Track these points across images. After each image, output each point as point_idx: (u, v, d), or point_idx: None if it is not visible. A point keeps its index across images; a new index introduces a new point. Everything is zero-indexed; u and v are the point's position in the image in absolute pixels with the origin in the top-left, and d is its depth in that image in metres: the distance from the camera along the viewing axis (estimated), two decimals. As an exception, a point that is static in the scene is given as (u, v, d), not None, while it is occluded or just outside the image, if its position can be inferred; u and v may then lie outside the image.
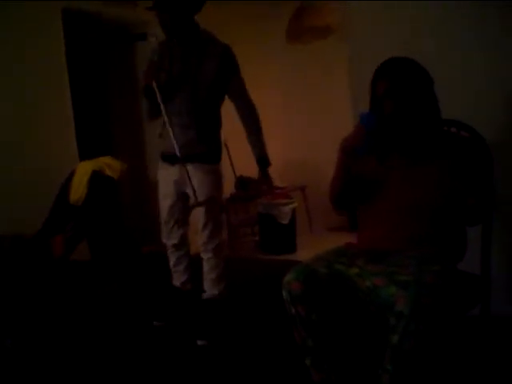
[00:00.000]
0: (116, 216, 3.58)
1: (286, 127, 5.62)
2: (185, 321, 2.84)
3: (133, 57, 4.78)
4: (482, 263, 1.98)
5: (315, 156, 5.53)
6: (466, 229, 1.96)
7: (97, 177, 3.37)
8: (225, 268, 2.85)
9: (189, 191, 2.71)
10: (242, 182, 5.22)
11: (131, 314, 3.04)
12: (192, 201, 2.69)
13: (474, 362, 2.16)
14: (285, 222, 4.86)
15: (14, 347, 2.67)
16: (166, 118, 2.60)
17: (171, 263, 2.92)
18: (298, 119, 5.69)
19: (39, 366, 2.54)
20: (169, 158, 2.73)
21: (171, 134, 2.58)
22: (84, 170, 3.40)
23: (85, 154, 3.93)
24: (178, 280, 2.93)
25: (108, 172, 3.42)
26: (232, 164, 5.00)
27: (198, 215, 2.79)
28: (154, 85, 2.57)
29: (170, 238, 2.86)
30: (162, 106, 2.58)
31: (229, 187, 4.96)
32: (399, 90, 1.82)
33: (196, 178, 2.68)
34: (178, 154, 2.58)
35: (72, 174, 3.41)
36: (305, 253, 4.21)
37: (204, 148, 2.71)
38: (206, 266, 2.82)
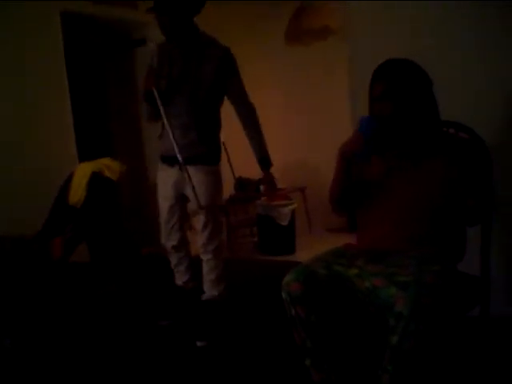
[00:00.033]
0: (115, 218, 3.57)
1: (287, 127, 5.61)
2: (188, 320, 2.84)
3: (132, 58, 4.78)
4: (481, 264, 1.98)
5: (315, 157, 5.53)
6: (466, 229, 1.96)
7: (96, 178, 3.37)
8: (224, 269, 2.85)
9: (188, 193, 2.70)
10: (241, 183, 5.23)
11: (130, 315, 3.04)
12: (194, 205, 2.68)
13: (473, 362, 2.16)
14: (284, 223, 4.85)
15: (14, 347, 2.67)
16: (165, 121, 2.60)
17: (172, 264, 2.93)
18: (298, 119, 5.68)
19: (38, 366, 2.54)
20: (168, 160, 2.73)
21: (171, 136, 2.58)
22: (83, 172, 3.39)
23: (84, 156, 3.93)
24: (180, 279, 2.93)
25: (107, 174, 3.41)
26: (231, 165, 5.00)
27: (197, 216, 2.78)
28: (155, 91, 2.57)
29: (169, 240, 2.85)
30: (162, 110, 2.58)
31: (228, 188, 4.97)
32: (397, 91, 1.81)
33: (196, 179, 2.68)
34: (178, 155, 2.58)
35: (71, 176, 3.40)
36: (304, 254, 4.20)
37: (204, 149, 2.71)
38: (205, 267, 2.82)
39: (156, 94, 2.56)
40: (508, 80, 2.42)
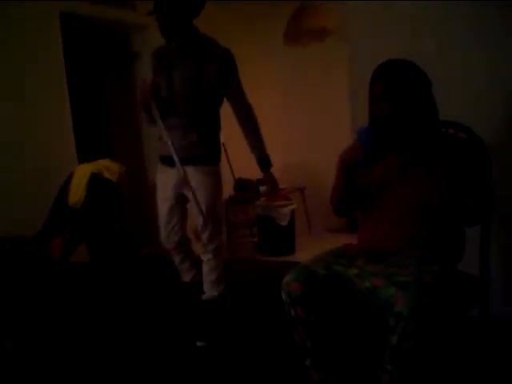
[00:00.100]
0: (115, 218, 3.57)
1: (286, 127, 5.62)
2: (188, 319, 2.84)
3: (131, 59, 4.78)
4: (480, 264, 1.98)
5: (314, 157, 5.53)
6: (465, 230, 1.96)
7: (95, 179, 3.37)
8: (224, 269, 2.85)
9: (188, 194, 2.71)
10: (240, 183, 5.23)
11: (130, 315, 3.04)
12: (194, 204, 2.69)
13: (472, 362, 2.16)
14: (284, 223, 4.85)
15: (14, 349, 2.67)
16: (163, 132, 2.60)
17: (176, 263, 2.93)
18: (297, 119, 5.69)
19: (39, 368, 2.53)
20: (168, 161, 2.72)
21: (169, 143, 2.58)
22: (83, 173, 3.39)
23: (83, 157, 3.92)
24: (186, 277, 2.94)
25: (107, 174, 3.41)
26: (231, 166, 5.01)
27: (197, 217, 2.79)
28: (153, 104, 2.58)
29: (168, 241, 2.85)
30: (160, 123, 2.59)
31: (228, 189, 4.97)
32: (396, 91, 1.82)
33: (196, 179, 2.68)
34: (175, 158, 2.58)
35: (71, 177, 3.40)
36: (304, 254, 4.21)
37: (204, 150, 2.71)
38: (205, 268, 2.82)
39: (154, 106, 2.57)
40: (508, 80, 2.42)
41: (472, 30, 2.48)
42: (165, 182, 2.79)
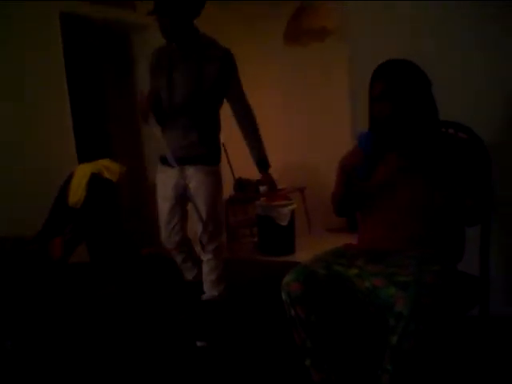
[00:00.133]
0: (115, 218, 3.57)
1: (285, 127, 5.62)
2: (188, 319, 2.84)
3: (131, 59, 4.78)
4: (480, 264, 1.98)
5: (314, 157, 5.53)
6: (465, 230, 1.96)
7: (95, 179, 3.37)
8: (224, 269, 2.85)
9: (188, 194, 2.71)
10: (240, 183, 5.23)
11: (130, 315, 3.04)
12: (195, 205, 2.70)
13: (472, 362, 2.16)
14: (284, 223, 4.85)
15: (14, 349, 2.67)
16: (162, 140, 2.62)
17: (178, 262, 2.94)
18: (297, 119, 5.69)
19: (39, 368, 2.53)
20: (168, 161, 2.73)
21: (165, 144, 2.59)
22: (83, 173, 3.39)
23: (83, 157, 3.92)
24: (189, 275, 2.95)
25: (107, 174, 3.41)
26: (231, 166, 5.01)
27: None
28: (151, 116, 2.60)
29: (169, 241, 2.85)
30: (158, 132, 2.60)
31: (228, 189, 4.97)
32: (396, 91, 1.82)
33: (196, 179, 2.68)
34: (172, 160, 2.59)
35: (71, 177, 3.40)
36: (304, 254, 4.20)
37: (204, 150, 2.71)
38: (205, 268, 2.82)
39: (152, 118, 2.61)
40: (508, 80, 2.42)
41: (472, 29, 2.48)
42: (165, 181, 2.79)
